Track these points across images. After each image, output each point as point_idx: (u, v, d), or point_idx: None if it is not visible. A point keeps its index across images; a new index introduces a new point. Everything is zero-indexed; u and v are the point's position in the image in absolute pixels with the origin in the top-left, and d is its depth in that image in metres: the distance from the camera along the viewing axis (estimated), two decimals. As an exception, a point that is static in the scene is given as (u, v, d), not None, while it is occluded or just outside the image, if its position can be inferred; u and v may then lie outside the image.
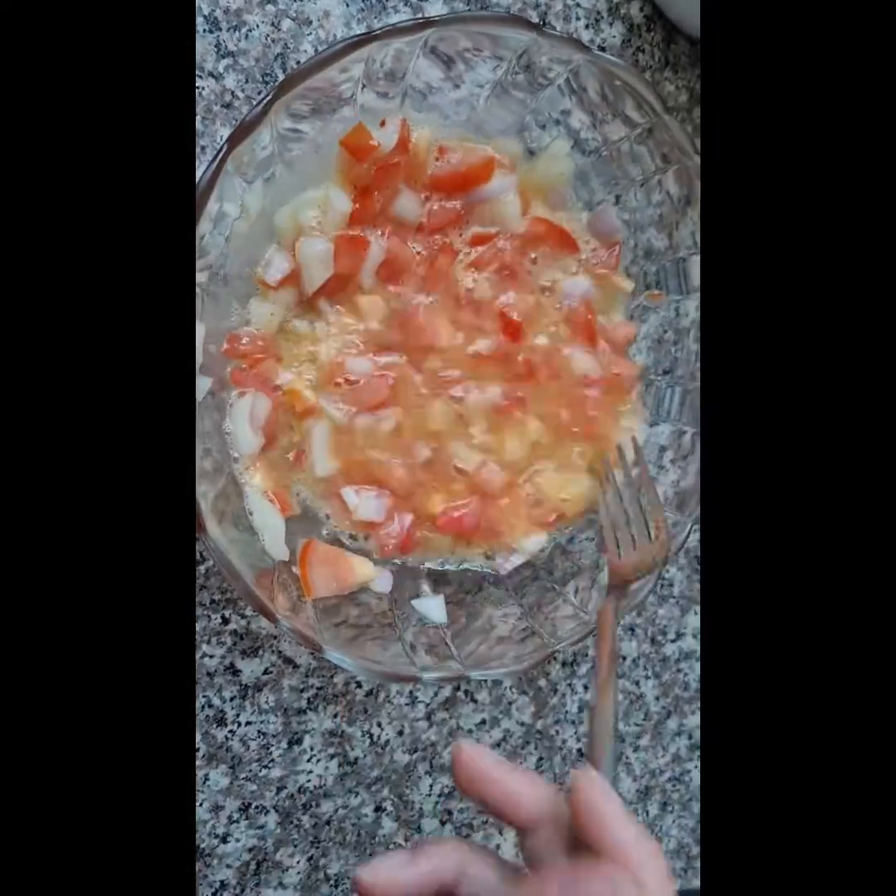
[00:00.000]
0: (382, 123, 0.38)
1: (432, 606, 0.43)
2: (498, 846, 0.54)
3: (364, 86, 0.36)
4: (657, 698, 0.57)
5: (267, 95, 0.32)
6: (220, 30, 0.40)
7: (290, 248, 0.40)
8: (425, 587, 0.44)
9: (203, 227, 0.34)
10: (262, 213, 0.38)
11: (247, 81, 0.41)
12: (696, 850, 0.60)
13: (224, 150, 0.31)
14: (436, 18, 0.34)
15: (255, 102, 0.37)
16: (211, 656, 0.45)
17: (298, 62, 0.42)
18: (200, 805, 0.46)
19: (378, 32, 0.33)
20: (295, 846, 0.49)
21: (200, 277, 0.36)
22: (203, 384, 0.37)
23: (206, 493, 0.35)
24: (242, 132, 0.32)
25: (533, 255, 0.43)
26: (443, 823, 0.52)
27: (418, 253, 0.41)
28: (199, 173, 0.40)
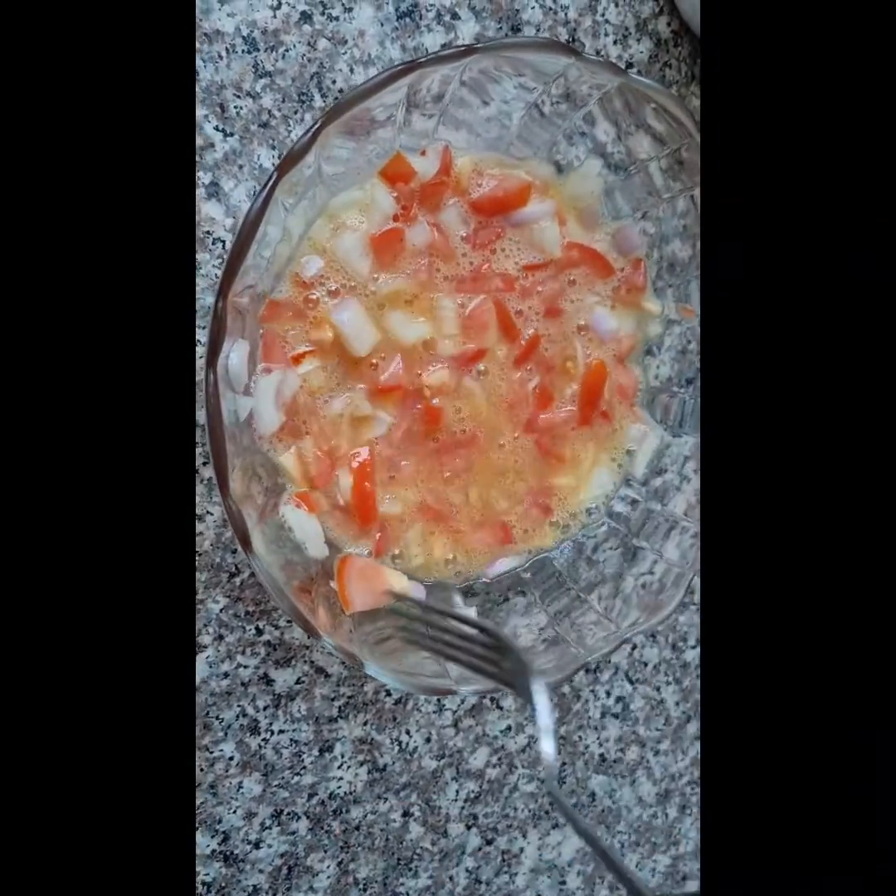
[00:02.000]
0: (423, 152, 0.39)
1: (465, 619, 0.44)
2: (521, 849, 0.55)
3: (408, 109, 0.36)
4: (677, 703, 0.58)
5: (316, 124, 0.32)
6: (258, 50, 0.41)
7: (323, 252, 0.41)
8: (457, 599, 0.45)
9: (248, 251, 0.34)
10: (301, 236, 0.39)
11: (283, 101, 0.42)
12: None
13: (274, 178, 0.32)
14: (478, 46, 0.34)
15: (302, 130, 0.37)
16: (245, 667, 0.46)
17: (333, 81, 0.42)
18: (234, 812, 0.47)
19: (422, 60, 0.34)
20: (325, 851, 0.50)
21: (242, 299, 0.37)
22: (246, 404, 0.38)
23: (250, 513, 0.35)
24: (291, 161, 0.32)
25: (571, 277, 0.44)
26: (468, 827, 0.53)
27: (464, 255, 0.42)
28: (237, 190, 0.41)
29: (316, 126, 0.32)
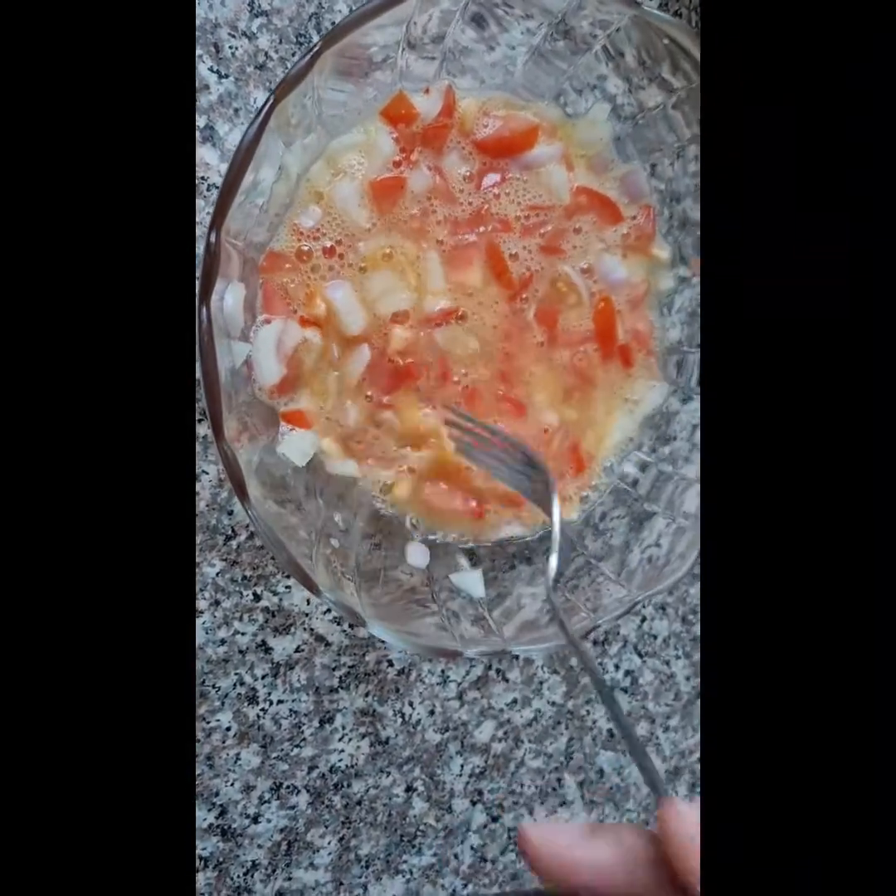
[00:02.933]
0: (427, 91, 0.37)
1: (471, 581, 0.42)
2: (528, 827, 0.53)
3: (406, 49, 0.35)
4: (688, 678, 0.57)
5: (314, 47, 0.31)
6: (254, -12, 0.39)
7: (320, 199, 0.39)
8: (463, 562, 0.44)
9: (241, 191, 0.33)
10: (300, 177, 0.37)
11: (280, 42, 0.40)
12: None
13: (269, 103, 0.30)
14: (484, -30, 0.33)
15: (298, 56, 0.36)
16: (242, 634, 0.44)
17: (333, 22, 0.41)
18: (232, 785, 0.46)
19: (424, -16, 0.32)
20: (326, 826, 0.48)
21: (237, 241, 0.35)
22: (241, 351, 0.36)
23: (248, 463, 0.34)
24: (287, 87, 0.31)
25: (577, 225, 0.42)
26: (473, 803, 0.52)
27: (469, 203, 0.41)
28: (233, 134, 0.40)
29: (315, 48, 0.31)
